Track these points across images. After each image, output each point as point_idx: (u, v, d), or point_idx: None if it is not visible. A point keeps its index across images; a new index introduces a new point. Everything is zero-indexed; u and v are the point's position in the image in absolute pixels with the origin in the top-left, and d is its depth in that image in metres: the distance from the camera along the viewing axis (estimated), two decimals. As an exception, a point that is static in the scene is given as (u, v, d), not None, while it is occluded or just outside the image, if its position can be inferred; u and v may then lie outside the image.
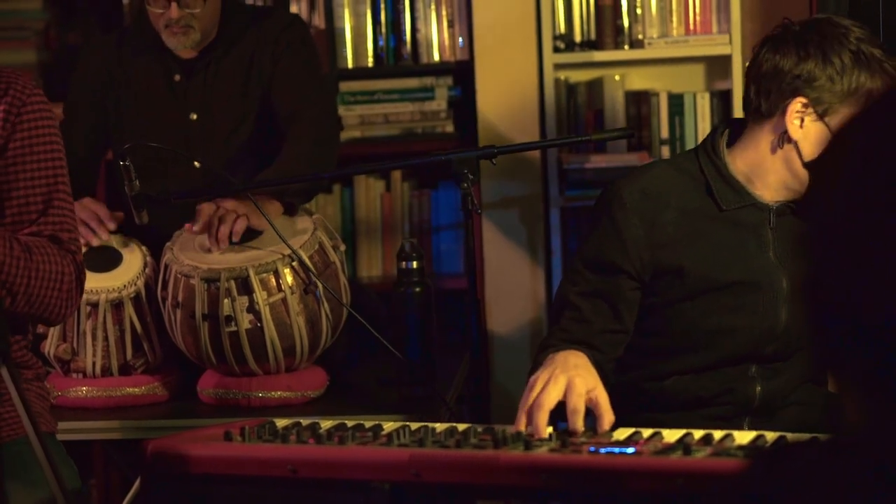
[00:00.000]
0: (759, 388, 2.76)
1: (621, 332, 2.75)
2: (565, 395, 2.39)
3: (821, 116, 2.65)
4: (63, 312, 2.57)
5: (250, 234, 3.29)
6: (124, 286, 3.28)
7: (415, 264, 3.22)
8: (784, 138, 2.70)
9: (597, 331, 2.72)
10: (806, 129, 2.67)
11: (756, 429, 2.72)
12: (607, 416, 2.39)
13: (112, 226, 3.40)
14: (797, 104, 2.66)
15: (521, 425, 2.37)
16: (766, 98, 2.70)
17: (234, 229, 3.21)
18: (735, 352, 2.75)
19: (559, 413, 2.40)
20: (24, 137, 2.57)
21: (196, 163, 3.55)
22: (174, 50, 3.59)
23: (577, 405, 2.37)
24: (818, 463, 1.14)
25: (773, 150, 2.72)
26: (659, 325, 2.77)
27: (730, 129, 2.81)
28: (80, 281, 2.59)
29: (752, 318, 2.74)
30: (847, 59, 2.63)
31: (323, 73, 3.86)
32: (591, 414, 2.42)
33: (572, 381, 2.40)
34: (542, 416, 2.36)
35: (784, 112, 2.67)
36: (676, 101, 4.29)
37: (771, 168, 2.73)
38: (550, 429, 2.37)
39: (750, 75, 2.75)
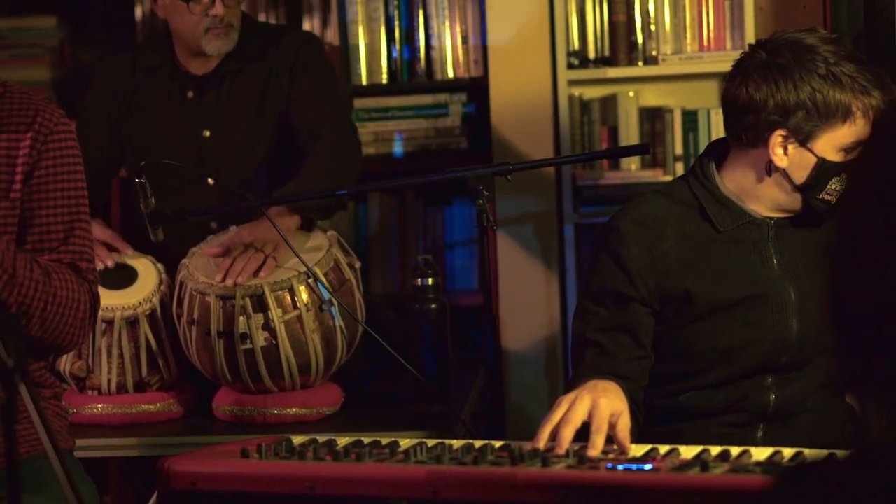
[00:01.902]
0: (773, 397, 2.75)
1: (645, 359, 2.73)
2: (590, 416, 2.38)
3: (802, 143, 2.66)
4: (74, 341, 2.56)
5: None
6: (139, 303, 3.29)
7: (430, 281, 3.22)
8: (771, 167, 2.70)
9: (623, 361, 2.69)
10: (791, 156, 2.67)
11: (770, 435, 2.72)
12: (625, 446, 2.37)
13: (130, 252, 3.40)
14: (777, 137, 2.66)
15: (541, 442, 2.36)
16: (746, 132, 2.70)
17: (245, 267, 3.20)
18: (750, 365, 2.74)
19: (582, 436, 2.38)
20: (50, 165, 2.58)
21: (210, 180, 3.56)
22: (212, 54, 3.56)
23: (601, 424, 2.35)
24: (842, 480, 1.13)
25: (762, 178, 2.72)
26: (672, 349, 2.76)
27: (717, 151, 2.81)
28: (94, 311, 2.59)
29: (764, 331, 2.73)
30: (817, 84, 2.62)
31: (341, 90, 3.86)
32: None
33: (597, 401, 2.39)
34: (569, 432, 2.35)
35: (766, 144, 2.67)
36: (690, 118, 4.28)
37: (763, 193, 2.73)
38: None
39: (725, 104, 2.74)
